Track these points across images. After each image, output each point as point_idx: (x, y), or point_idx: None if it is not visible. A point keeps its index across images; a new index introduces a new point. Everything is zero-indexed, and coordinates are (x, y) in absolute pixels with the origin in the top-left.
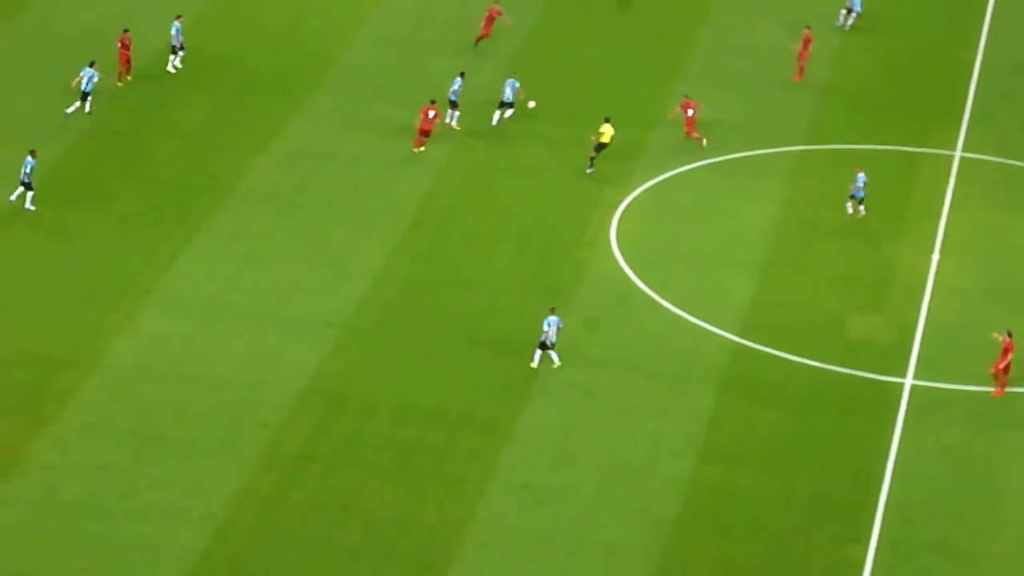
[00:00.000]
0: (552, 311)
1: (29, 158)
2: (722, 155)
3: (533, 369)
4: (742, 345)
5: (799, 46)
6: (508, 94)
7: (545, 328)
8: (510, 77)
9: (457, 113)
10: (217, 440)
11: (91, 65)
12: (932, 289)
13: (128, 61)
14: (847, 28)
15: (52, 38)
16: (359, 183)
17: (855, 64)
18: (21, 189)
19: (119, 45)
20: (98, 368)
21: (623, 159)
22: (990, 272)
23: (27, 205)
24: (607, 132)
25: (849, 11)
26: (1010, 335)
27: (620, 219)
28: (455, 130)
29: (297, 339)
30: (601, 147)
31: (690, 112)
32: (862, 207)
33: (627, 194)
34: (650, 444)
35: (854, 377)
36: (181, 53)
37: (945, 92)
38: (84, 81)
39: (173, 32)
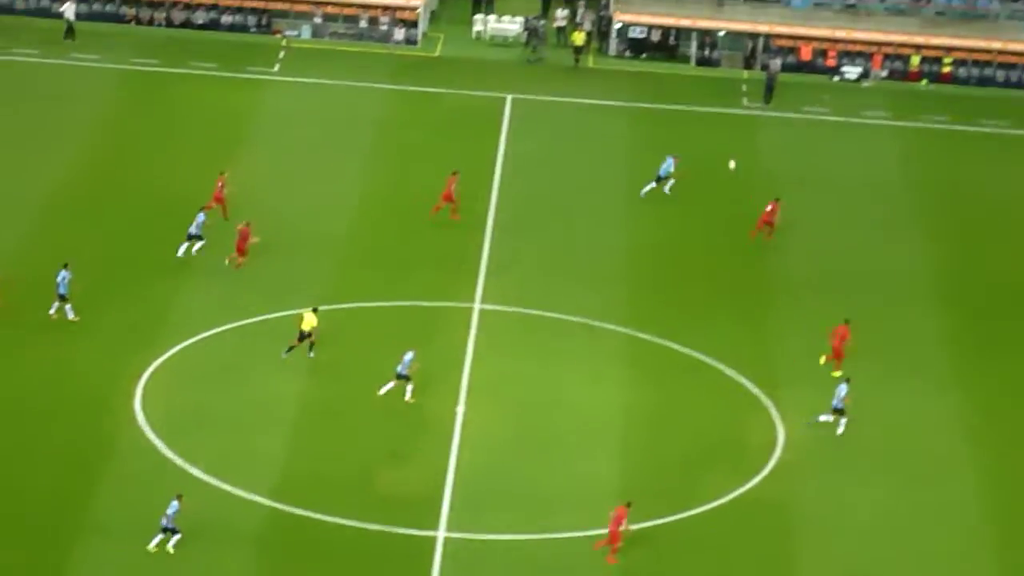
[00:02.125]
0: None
1: None
2: (248, 318)
3: None
4: (275, 508)
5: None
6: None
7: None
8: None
9: None
10: None
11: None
12: (460, 440)
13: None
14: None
15: None
16: None
17: (372, 220)
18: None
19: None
20: None
21: (146, 323)
22: (517, 420)
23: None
24: (309, 320)
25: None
26: (627, 506)
27: (146, 385)
28: None
29: None
30: (302, 336)
31: None
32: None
33: (153, 358)
34: None
35: (389, 533)
36: None
37: (461, 245)
38: None
39: None
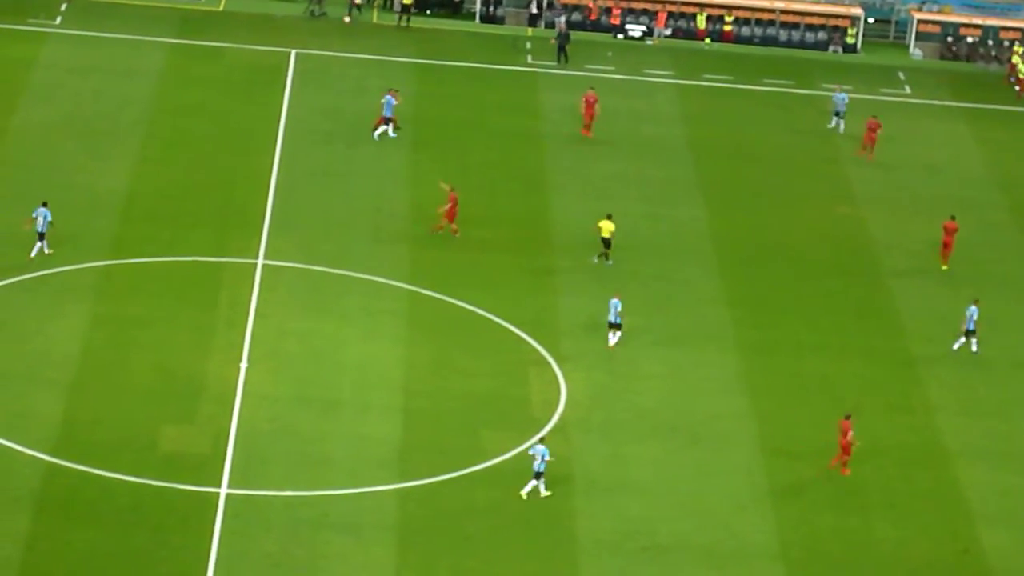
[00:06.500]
0: None
1: None
2: (23, 273)
3: None
4: (54, 464)
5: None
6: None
7: None
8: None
9: None
10: None
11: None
12: (242, 398)
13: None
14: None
15: None
16: None
17: (154, 175)
18: None
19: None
20: None
21: None
22: (298, 378)
23: None
24: (607, 227)
25: (838, 114)
26: (847, 417)
27: None
28: None
29: None
30: (606, 242)
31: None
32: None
33: None
34: None
35: (170, 490)
36: None
37: (244, 201)
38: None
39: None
